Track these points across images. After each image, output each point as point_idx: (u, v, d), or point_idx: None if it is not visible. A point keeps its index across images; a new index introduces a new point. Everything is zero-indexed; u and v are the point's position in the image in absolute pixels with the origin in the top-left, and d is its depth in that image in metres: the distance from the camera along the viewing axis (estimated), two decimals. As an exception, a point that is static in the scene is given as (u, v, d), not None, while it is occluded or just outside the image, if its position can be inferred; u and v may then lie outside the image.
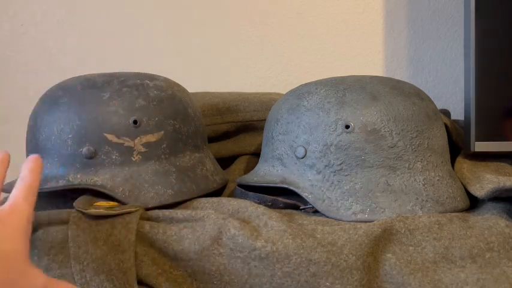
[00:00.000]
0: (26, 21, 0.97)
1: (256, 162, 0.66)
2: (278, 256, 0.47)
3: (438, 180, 0.56)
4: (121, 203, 0.54)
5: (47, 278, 0.41)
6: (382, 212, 0.53)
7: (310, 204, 0.56)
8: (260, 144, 0.74)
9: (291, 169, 0.58)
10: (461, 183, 0.59)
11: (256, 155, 0.74)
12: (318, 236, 0.48)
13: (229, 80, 0.99)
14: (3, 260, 0.39)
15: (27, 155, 0.61)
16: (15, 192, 0.45)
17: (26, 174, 0.46)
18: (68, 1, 0.97)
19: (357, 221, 0.53)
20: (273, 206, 0.58)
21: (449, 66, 0.98)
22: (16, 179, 0.60)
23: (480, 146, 0.64)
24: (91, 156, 0.56)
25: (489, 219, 0.50)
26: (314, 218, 0.54)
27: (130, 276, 0.47)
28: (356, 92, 0.57)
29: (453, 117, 0.87)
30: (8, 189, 0.58)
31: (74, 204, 0.52)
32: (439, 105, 0.95)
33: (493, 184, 0.53)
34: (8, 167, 0.47)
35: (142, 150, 0.57)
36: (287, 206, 0.58)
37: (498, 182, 0.53)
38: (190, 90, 0.70)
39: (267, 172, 0.61)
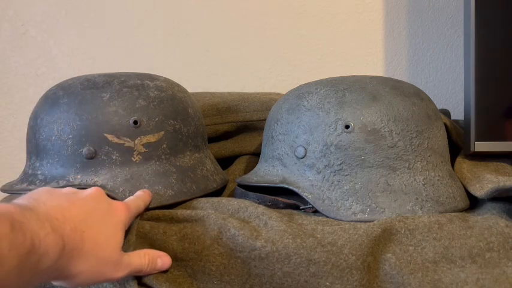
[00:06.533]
0: (26, 21, 0.98)
1: (256, 162, 0.66)
2: (278, 256, 0.47)
3: (438, 180, 0.56)
4: (121, 203, 0.54)
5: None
6: (382, 212, 0.53)
7: (310, 204, 0.56)
8: (260, 144, 0.74)
9: (291, 169, 0.58)
10: (461, 183, 0.59)
11: (256, 155, 0.74)
12: (318, 236, 0.48)
13: (229, 80, 0.99)
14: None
15: (27, 155, 0.61)
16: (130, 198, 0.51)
17: (142, 194, 0.53)
18: (68, 1, 0.97)
19: (357, 221, 0.53)
20: (273, 206, 0.58)
21: (449, 66, 0.98)
22: (16, 179, 0.60)
23: (480, 146, 0.64)
24: (91, 157, 0.56)
25: (489, 219, 0.50)
26: (314, 218, 0.54)
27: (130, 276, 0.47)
28: (356, 92, 0.57)
29: (453, 117, 0.87)
30: (8, 189, 0.58)
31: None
32: (439, 105, 0.95)
33: (492, 184, 0.53)
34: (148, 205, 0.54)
35: (143, 151, 0.57)
36: (287, 206, 0.58)
37: (498, 182, 0.53)
38: (190, 90, 0.70)
39: (267, 172, 0.61)
